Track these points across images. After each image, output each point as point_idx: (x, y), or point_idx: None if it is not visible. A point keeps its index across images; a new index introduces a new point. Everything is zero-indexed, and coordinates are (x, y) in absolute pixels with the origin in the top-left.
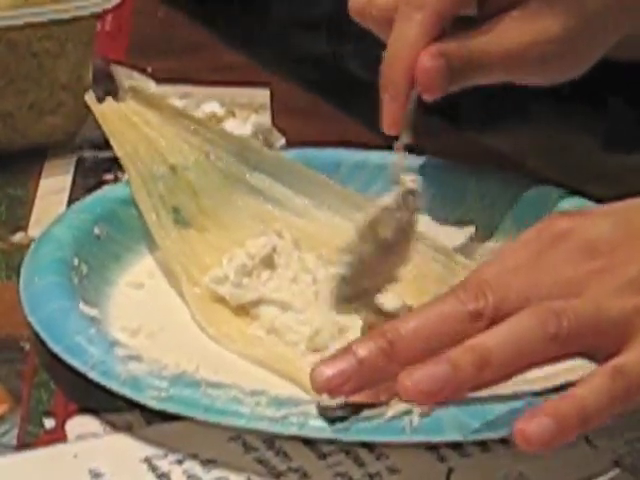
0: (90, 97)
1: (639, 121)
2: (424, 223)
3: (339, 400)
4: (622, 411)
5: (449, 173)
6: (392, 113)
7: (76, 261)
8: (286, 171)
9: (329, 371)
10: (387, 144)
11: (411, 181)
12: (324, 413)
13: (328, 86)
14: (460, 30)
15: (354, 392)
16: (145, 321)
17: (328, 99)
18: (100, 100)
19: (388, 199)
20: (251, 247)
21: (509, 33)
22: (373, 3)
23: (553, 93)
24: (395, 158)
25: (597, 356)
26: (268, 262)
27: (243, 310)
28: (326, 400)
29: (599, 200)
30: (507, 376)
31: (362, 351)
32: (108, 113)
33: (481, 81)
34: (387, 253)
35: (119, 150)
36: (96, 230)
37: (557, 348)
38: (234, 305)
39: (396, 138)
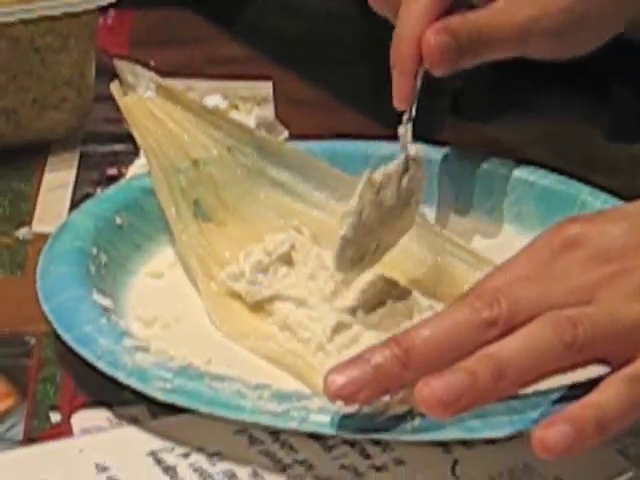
0: (115, 88)
1: None
2: (451, 218)
3: (353, 408)
4: (639, 417)
5: (476, 166)
6: (401, 88)
7: (95, 250)
8: (307, 166)
9: (343, 379)
10: (392, 135)
11: (416, 149)
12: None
13: (331, 78)
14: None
15: (368, 400)
16: (161, 311)
17: (331, 91)
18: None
19: (391, 165)
20: (269, 243)
21: (519, 6)
22: None
23: (557, 83)
24: (402, 130)
25: (613, 362)
26: (286, 259)
27: (259, 306)
28: (340, 407)
29: (608, 190)
30: (523, 385)
31: (376, 359)
32: (132, 106)
33: (491, 57)
34: (389, 217)
35: (142, 142)
36: (118, 219)
37: (573, 356)
38: (250, 301)
39: (401, 114)
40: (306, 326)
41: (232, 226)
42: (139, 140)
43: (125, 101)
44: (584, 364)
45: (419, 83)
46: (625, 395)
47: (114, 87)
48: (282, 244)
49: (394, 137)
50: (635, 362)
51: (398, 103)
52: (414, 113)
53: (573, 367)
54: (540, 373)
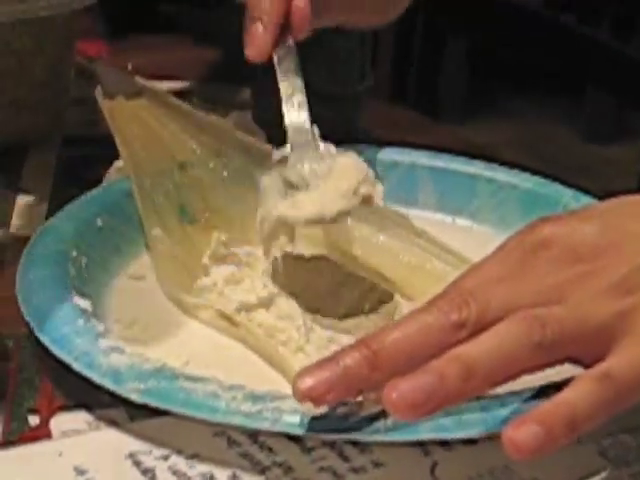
0: (99, 93)
1: (617, 114)
2: (434, 220)
3: (322, 409)
4: (611, 415)
5: (459, 170)
6: (262, 41)
7: (75, 253)
8: None
9: (312, 380)
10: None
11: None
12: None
13: (309, 82)
14: None
15: (337, 401)
16: (142, 313)
17: (309, 95)
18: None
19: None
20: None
21: None
22: None
23: (533, 85)
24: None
25: (583, 361)
26: (258, 268)
27: (233, 314)
28: (309, 409)
29: (589, 192)
30: (492, 385)
31: (346, 360)
32: (117, 110)
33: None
34: None
35: (123, 148)
36: (99, 222)
37: (542, 356)
38: (223, 312)
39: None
40: (280, 328)
41: (219, 229)
42: (120, 146)
43: (109, 105)
44: (553, 364)
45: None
46: (596, 393)
47: (97, 92)
48: (257, 257)
49: (374, 141)
50: (605, 361)
51: (257, 55)
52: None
53: (542, 367)
54: (509, 373)
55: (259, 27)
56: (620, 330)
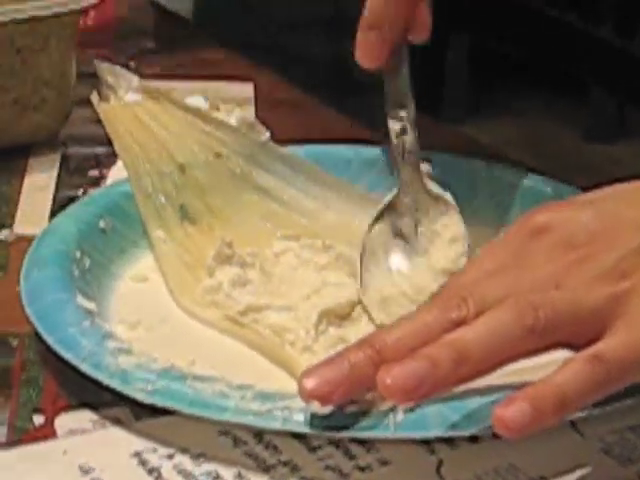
0: (94, 97)
1: (620, 113)
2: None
3: (328, 408)
4: (600, 397)
5: (459, 169)
6: (378, 51)
7: (78, 254)
8: (297, 172)
9: (317, 380)
10: (373, 138)
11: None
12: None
13: (313, 80)
14: None
15: (342, 400)
16: (145, 314)
17: (313, 93)
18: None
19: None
20: (246, 257)
21: None
22: None
23: (536, 85)
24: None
25: (576, 345)
26: (264, 270)
27: (239, 316)
28: (315, 408)
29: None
30: (486, 370)
31: (350, 360)
32: (114, 112)
33: None
34: None
35: (120, 151)
36: (102, 223)
37: (535, 340)
38: (229, 314)
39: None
40: (289, 328)
41: (219, 231)
42: (118, 149)
43: (104, 108)
44: (546, 349)
45: (406, 59)
46: (586, 374)
47: (94, 96)
48: (261, 258)
49: (374, 141)
50: (598, 343)
51: (372, 61)
52: (412, 113)
53: (536, 352)
54: (503, 358)
55: (375, 36)
56: (613, 313)
